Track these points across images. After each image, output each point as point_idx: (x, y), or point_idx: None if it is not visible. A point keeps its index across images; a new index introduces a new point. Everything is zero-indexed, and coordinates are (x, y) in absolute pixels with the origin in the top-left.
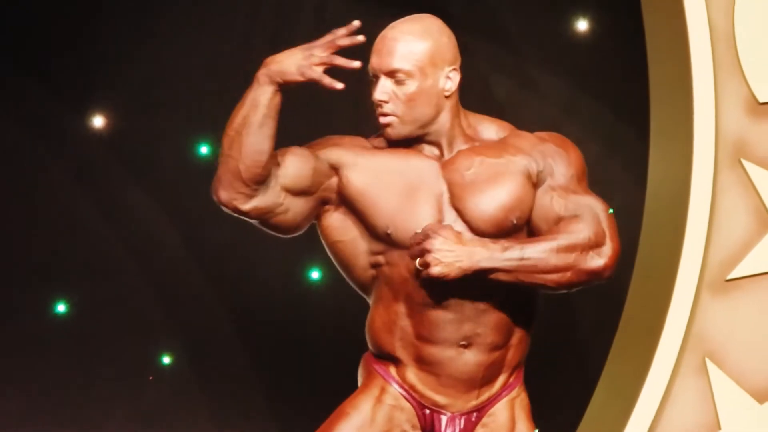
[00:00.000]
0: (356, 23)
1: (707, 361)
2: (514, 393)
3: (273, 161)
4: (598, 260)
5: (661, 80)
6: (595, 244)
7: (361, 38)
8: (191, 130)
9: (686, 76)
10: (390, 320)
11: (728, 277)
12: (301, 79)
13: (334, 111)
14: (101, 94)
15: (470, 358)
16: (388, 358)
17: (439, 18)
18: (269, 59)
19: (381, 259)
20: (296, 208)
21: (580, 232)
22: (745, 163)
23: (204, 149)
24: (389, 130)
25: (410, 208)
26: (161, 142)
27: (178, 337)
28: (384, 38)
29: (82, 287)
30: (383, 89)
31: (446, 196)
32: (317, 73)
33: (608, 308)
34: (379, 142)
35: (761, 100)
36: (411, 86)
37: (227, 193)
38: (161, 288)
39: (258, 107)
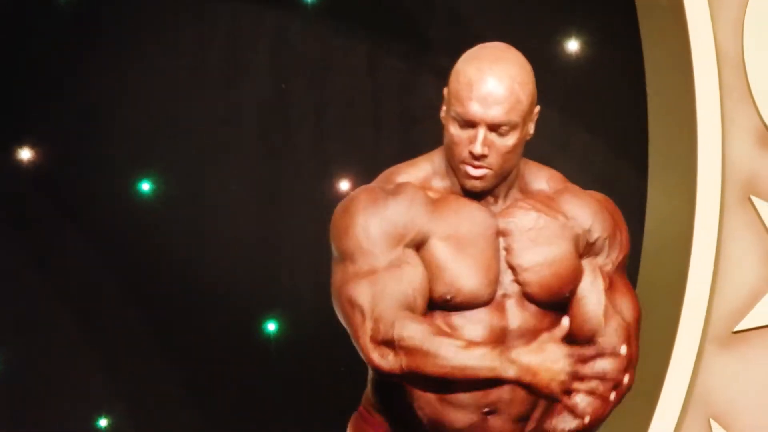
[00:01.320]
0: None
1: (712, 423)
2: None
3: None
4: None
5: (661, 109)
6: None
7: None
8: (132, 166)
9: (690, 104)
10: None
11: (736, 329)
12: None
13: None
14: (31, 125)
15: (493, 428)
16: (399, 422)
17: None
18: (533, 367)
19: None
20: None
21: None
22: (755, 200)
23: (146, 186)
24: (478, 183)
25: (472, 271)
26: (98, 179)
27: (117, 398)
28: (486, 82)
29: (9, 342)
30: (485, 142)
31: (503, 255)
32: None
33: None
34: (422, 169)
35: None
36: (512, 138)
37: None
38: (100, 342)
39: (486, 378)
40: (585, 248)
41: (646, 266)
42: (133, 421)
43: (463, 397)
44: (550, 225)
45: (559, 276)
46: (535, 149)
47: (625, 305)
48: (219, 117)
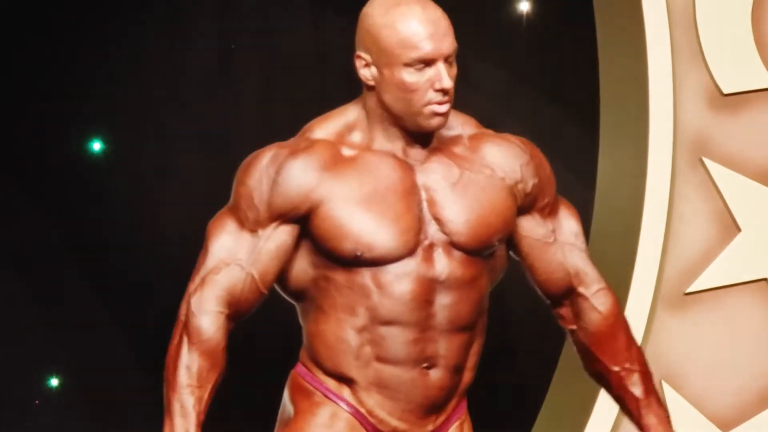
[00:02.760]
0: None
1: (664, 384)
2: (462, 417)
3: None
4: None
5: (612, 70)
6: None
7: None
8: (82, 125)
9: (641, 65)
10: (345, 337)
11: (687, 291)
12: None
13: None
14: None
15: (434, 381)
16: (340, 378)
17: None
18: None
19: (336, 265)
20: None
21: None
22: (707, 162)
23: (96, 146)
24: (443, 119)
25: (387, 221)
26: (47, 138)
27: (67, 358)
28: (428, 17)
29: None
30: (449, 75)
31: (425, 205)
32: None
33: (552, 327)
34: (335, 124)
35: (725, 92)
36: (455, 65)
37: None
38: (47, 300)
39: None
40: (524, 200)
41: (598, 228)
42: (82, 380)
43: (399, 354)
44: (475, 179)
45: (487, 225)
46: (484, 110)
47: (571, 225)
48: (167, 78)
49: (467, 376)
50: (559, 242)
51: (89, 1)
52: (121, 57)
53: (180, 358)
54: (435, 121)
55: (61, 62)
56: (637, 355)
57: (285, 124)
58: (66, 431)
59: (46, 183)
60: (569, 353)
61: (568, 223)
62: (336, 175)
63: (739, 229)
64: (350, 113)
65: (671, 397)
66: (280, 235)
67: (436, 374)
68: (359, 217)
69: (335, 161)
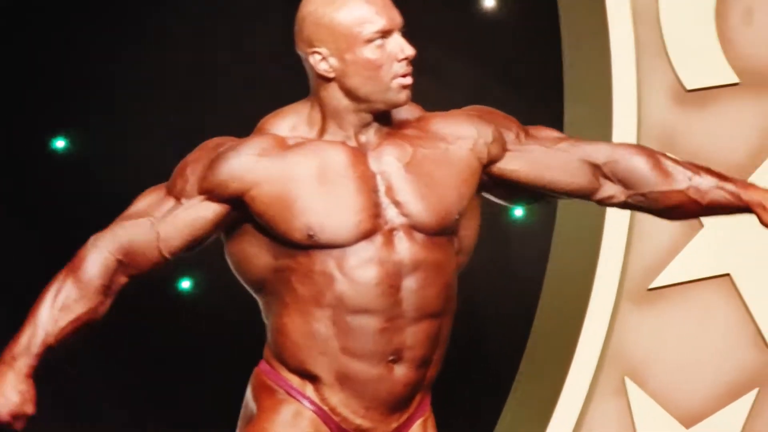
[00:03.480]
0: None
1: (627, 380)
2: (426, 413)
3: (106, 304)
4: None
5: (576, 65)
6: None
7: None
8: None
9: (605, 60)
10: (310, 330)
11: (651, 286)
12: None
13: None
14: None
15: (399, 377)
16: (304, 374)
17: None
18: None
19: (296, 253)
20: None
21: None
22: (671, 157)
23: (60, 143)
24: (409, 94)
25: (339, 202)
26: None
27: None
28: None
29: None
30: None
31: (382, 189)
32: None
33: (518, 321)
34: (288, 121)
35: (689, 88)
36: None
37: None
38: (11, 293)
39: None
40: (492, 148)
41: (561, 224)
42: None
43: (366, 346)
44: (429, 154)
45: (443, 200)
46: (450, 102)
47: (550, 132)
48: (139, 75)
49: (432, 371)
50: (553, 148)
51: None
52: (95, 56)
53: (55, 281)
54: (404, 95)
55: (39, 61)
56: (687, 166)
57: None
58: None
59: (11, 181)
60: (534, 345)
61: (546, 132)
62: (280, 159)
63: (701, 225)
64: (302, 108)
65: (634, 393)
66: (202, 210)
67: (401, 369)
68: (307, 197)
69: (280, 147)
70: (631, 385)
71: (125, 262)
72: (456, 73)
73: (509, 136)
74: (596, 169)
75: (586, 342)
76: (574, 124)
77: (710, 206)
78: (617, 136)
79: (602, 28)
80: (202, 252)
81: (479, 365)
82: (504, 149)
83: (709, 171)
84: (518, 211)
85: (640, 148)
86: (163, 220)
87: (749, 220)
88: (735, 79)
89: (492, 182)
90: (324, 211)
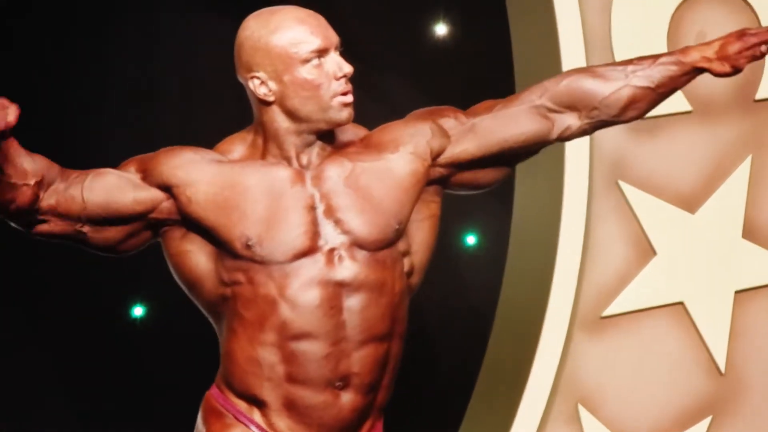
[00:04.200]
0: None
1: (580, 408)
2: None
3: (32, 189)
4: None
5: None
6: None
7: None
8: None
9: None
10: (255, 355)
11: (604, 314)
12: None
13: None
14: None
15: (346, 403)
16: (251, 400)
17: None
18: None
19: (239, 276)
20: (105, 233)
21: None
22: (623, 185)
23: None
24: (351, 112)
25: (277, 217)
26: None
27: None
28: (309, 15)
29: None
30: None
31: (321, 209)
32: None
33: (470, 348)
34: (234, 148)
35: None
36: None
37: (9, 220)
38: None
39: None
40: (435, 142)
41: (514, 251)
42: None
43: (311, 372)
44: (368, 167)
45: (383, 213)
46: None
47: (489, 102)
48: (87, 99)
49: (382, 396)
50: (491, 113)
51: (20, 13)
52: (45, 79)
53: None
54: (346, 113)
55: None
56: (619, 63)
57: (208, 140)
58: None
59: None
60: (488, 372)
61: (482, 105)
62: (223, 169)
63: (655, 253)
64: (246, 135)
65: (587, 420)
66: (131, 182)
67: (348, 396)
68: (246, 208)
69: (227, 162)
70: (584, 413)
71: (46, 178)
72: (406, 99)
73: (448, 123)
74: (539, 109)
75: (539, 369)
76: None
77: (661, 85)
78: (569, 162)
79: (554, 54)
80: (154, 277)
81: (432, 393)
82: (447, 137)
83: (640, 58)
84: (471, 239)
85: (568, 72)
86: (98, 172)
87: (702, 247)
88: (688, 107)
89: (451, 174)
90: (262, 224)
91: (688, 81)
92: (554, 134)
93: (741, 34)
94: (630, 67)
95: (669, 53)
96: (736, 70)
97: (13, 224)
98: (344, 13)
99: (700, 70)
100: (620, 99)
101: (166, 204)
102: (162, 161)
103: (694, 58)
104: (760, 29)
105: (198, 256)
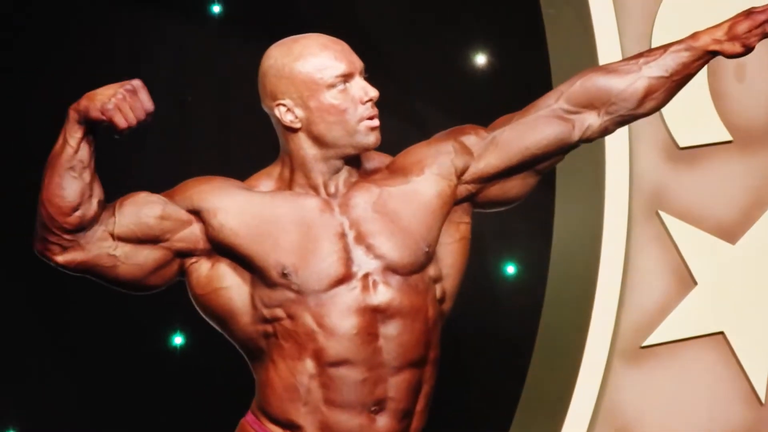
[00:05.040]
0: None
1: None
2: None
3: (94, 208)
4: None
5: None
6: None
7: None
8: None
9: None
10: (294, 382)
11: (643, 344)
12: (100, 116)
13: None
14: None
15: (381, 428)
16: (287, 425)
17: None
18: (88, 93)
19: (279, 312)
20: (134, 259)
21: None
22: (663, 215)
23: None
24: (378, 136)
25: (309, 246)
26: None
27: (23, 409)
28: (331, 41)
29: None
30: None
31: (351, 236)
32: (114, 111)
33: (510, 378)
34: (261, 183)
35: (681, 145)
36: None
37: (41, 243)
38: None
39: (66, 147)
40: (460, 161)
41: (554, 281)
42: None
43: (348, 396)
44: (395, 192)
45: (412, 236)
46: None
47: (503, 118)
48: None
49: (417, 423)
50: (510, 125)
51: (47, 48)
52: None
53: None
54: (372, 137)
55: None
56: (630, 58)
57: (242, 172)
58: None
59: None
60: (527, 402)
61: (501, 119)
62: (255, 198)
63: (695, 283)
64: (272, 170)
65: None
66: (160, 202)
67: (383, 420)
68: (280, 237)
69: (251, 190)
70: None
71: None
72: (443, 128)
73: (470, 140)
74: (557, 112)
75: (578, 399)
76: (565, 182)
77: (675, 73)
78: (609, 191)
79: None
80: (191, 308)
81: (471, 423)
82: (470, 154)
83: (651, 50)
84: (510, 268)
85: (581, 72)
86: (130, 194)
87: (742, 277)
88: (728, 137)
89: (479, 190)
90: (295, 253)
91: (702, 66)
92: (576, 135)
93: (749, 13)
94: (642, 60)
95: (679, 41)
96: (747, 50)
97: (46, 251)
98: (377, 39)
99: (713, 54)
100: (637, 91)
101: (194, 229)
102: (191, 186)
103: (705, 41)
104: (766, 6)
105: (230, 293)
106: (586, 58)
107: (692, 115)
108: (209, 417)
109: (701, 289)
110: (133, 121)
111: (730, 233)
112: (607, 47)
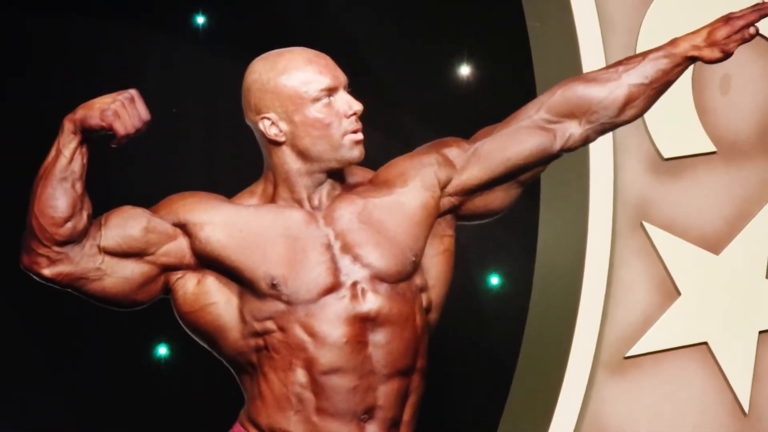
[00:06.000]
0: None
1: None
2: None
3: (83, 221)
4: None
5: None
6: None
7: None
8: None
9: None
10: (286, 392)
11: (627, 355)
12: (100, 123)
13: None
14: None
15: None
16: None
17: None
18: (84, 103)
19: (270, 324)
20: (121, 273)
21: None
22: (647, 226)
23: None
24: (362, 150)
25: (297, 257)
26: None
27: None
28: (316, 55)
29: None
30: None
31: (337, 246)
32: (114, 118)
33: (494, 389)
34: (244, 201)
35: (666, 156)
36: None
37: (28, 256)
38: None
39: (60, 157)
40: (442, 173)
41: (538, 291)
42: None
43: (339, 404)
44: (379, 203)
45: (399, 245)
46: None
47: (485, 130)
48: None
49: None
50: (491, 137)
51: (39, 66)
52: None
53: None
54: (357, 151)
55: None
56: (609, 66)
57: (230, 187)
58: None
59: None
60: (511, 413)
61: (483, 130)
62: (240, 211)
63: (679, 293)
64: (255, 188)
65: None
66: (145, 216)
67: (372, 428)
68: (267, 249)
69: (236, 204)
70: None
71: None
72: (427, 141)
73: (452, 152)
74: (538, 122)
75: (562, 410)
76: (549, 193)
77: (655, 80)
78: (593, 202)
79: None
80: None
81: (456, 421)
82: (453, 166)
83: (630, 57)
84: (494, 279)
85: (561, 83)
86: (116, 208)
87: (726, 288)
88: (712, 148)
89: (461, 202)
90: (284, 265)
91: (681, 72)
92: (557, 145)
93: (728, 19)
94: (621, 67)
95: (658, 48)
96: (726, 55)
97: (33, 265)
98: (361, 51)
99: (692, 59)
100: (617, 99)
101: (180, 243)
102: (176, 201)
103: (684, 48)
104: (745, 11)
105: (218, 309)
106: (571, 71)
107: (676, 126)
108: (196, 427)
109: (685, 299)
110: (131, 129)
111: (714, 244)
112: (592, 60)
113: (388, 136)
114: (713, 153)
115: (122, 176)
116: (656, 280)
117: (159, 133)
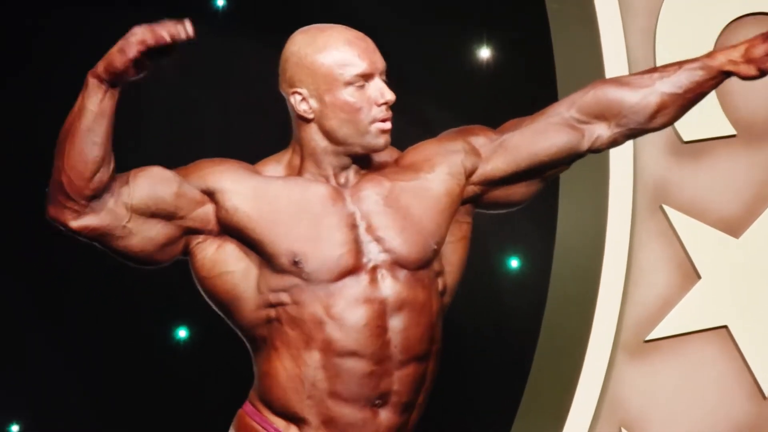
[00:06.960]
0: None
1: (623, 431)
2: None
3: (109, 173)
4: None
5: None
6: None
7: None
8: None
9: None
10: (299, 373)
11: (647, 338)
12: (127, 57)
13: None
14: None
15: (383, 421)
16: (290, 417)
17: None
18: (104, 55)
19: (284, 297)
20: (146, 233)
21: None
22: (667, 209)
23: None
24: (388, 139)
25: (321, 235)
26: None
27: (28, 404)
28: (358, 37)
29: None
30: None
31: (362, 227)
32: (148, 32)
33: (513, 372)
34: (270, 169)
35: (685, 139)
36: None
37: (54, 208)
38: (9, 346)
39: (85, 110)
40: (468, 161)
41: (558, 275)
42: (43, 425)
43: (354, 389)
44: (406, 186)
45: (422, 233)
46: None
47: (513, 122)
48: (124, 124)
49: (415, 415)
50: (520, 130)
51: (54, 47)
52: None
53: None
54: (383, 139)
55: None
56: (645, 72)
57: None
58: None
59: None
60: (531, 396)
61: (510, 122)
62: (267, 183)
63: (699, 277)
64: (282, 157)
65: None
66: (176, 179)
67: (385, 414)
68: (291, 224)
69: (262, 174)
70: None
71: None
72: (447, 126)
73: (479, 141)
74: (568, 121)
75: (582, 393)
76: (569, 177)
77: (689, 90)
78: (613, 186)
79: (599, 77)
80: (196, 299)
81: (473, 418)
82: (478, 156)
83: (665, 65)
84: (514, 262)
85: (594, 83)
86: (143, 167)
87: (746, 271)
88: (731, 131)
89: (484, 192)
90: (307, 241)
91: (716, 85)
92: (585, 145)
93: (766, 37)
94: (656, 74)
95: (694, 59)
96: (763, 73)
97: (60, 216)
98: (380, 34)
99: (727, 74)
100: (648, 106)
101: (206, 209)
102: (206, 166)
103: (720, 61)
104: None
105: (234, 278)
106: (590, 53)
107: (696, 109)
108: (210, 408)
109: (705, 283)
110: (171, 35)
111: (734, 227)
112: (612, 42)
113: (407, 121)
114: (733, 136)
115: (134, 156)
116: (676, 263)
117: (175, 115)
